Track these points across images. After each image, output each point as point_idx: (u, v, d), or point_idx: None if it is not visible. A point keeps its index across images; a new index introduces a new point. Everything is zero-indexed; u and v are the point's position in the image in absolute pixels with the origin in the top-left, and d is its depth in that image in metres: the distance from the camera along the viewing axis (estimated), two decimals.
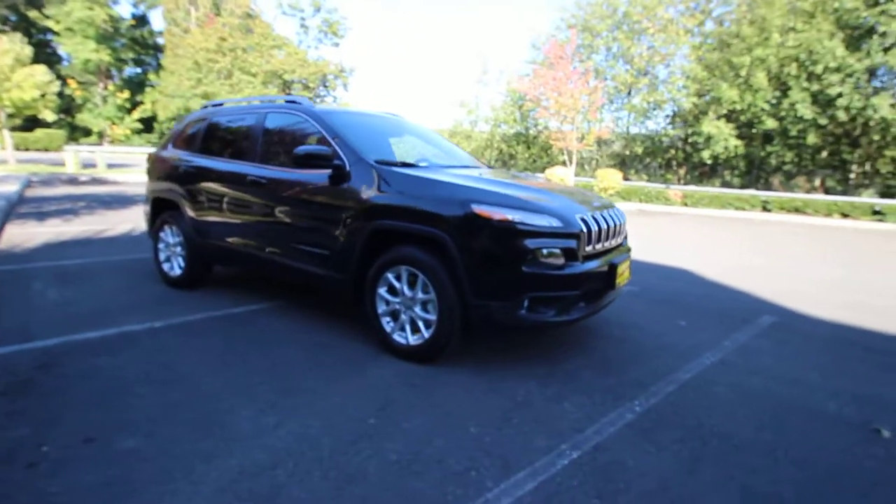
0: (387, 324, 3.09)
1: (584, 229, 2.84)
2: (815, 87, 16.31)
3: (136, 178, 16.30)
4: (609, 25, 22.94)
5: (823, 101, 16.34)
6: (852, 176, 18.99)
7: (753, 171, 21.17)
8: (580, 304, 2.87)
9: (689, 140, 21.27)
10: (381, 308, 3.10)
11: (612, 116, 24.84)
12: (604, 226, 3.03)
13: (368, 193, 3.06)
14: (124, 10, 51.49)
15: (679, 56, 20.19)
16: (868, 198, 16.30)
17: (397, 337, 3.04)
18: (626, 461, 2.06)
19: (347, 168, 3.19)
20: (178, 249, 4.39)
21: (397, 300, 3.02)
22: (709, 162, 21.37)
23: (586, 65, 21.09)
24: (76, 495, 1.75)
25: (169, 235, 4.46)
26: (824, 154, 19.51)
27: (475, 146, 29.96)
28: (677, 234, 10.23)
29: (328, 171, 3.26)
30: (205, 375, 2.72)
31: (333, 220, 3.22)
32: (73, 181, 14.65)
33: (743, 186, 20.21)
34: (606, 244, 3.11)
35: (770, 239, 10.02)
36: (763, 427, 2.41)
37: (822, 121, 16.42)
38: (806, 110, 16.41)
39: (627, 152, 26.14)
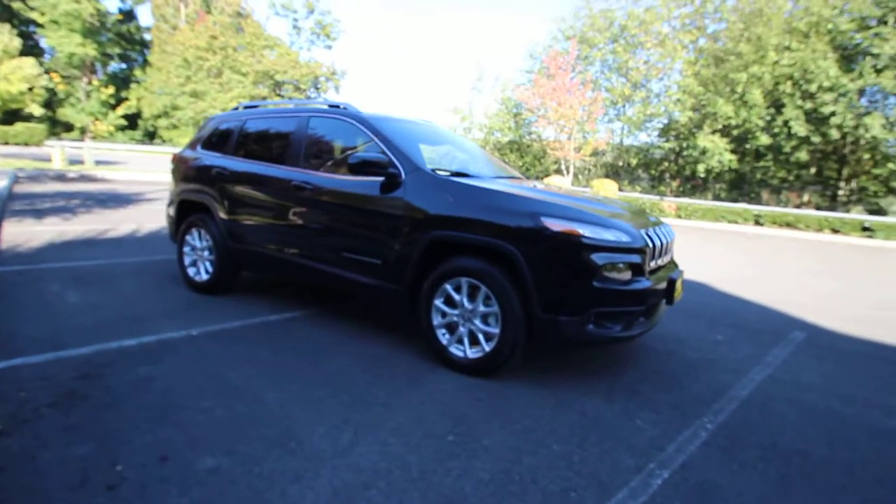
0: (442, 336, 3.05)
1: (650, 245, 2.85)
2: (809, 105, 16.83)
3: (127, 175, 15.95)
4: (606, 38, 23.38)
5: (816, 120, 16.86)
6: (840, 192, 19.59)
7: (744, 186, 21.68)
8: (641, 319, 2.88)
9: (683, 153, 21.71)
10: (437, 320, 3.06)
11: (606, 128, 25.26)
12: (661, 242, 3.05)
13: (426, 203, 3.03)
14: (111, 5, 50.72)
15: (675, 71, 20.65)
16: (858, 214, 16.80)
17: (454, 350, 3.00)
18: (717, 481, 2.05)
19: (403, 177, 3.15)
20: (206, 254, 4.29)
21: (455, 312, 2.99)
22: (702, 175, 21.83)
23: (584, 76, 21.42)
24: None
25: (196, 239, 4.35)
26: (812, 170, 20.10)
27: None
28: (679, 246, 10.39)
29: (380, 179, 3.22)
30: (263, 388, 2.64)
31: (387, 230, 3.17)
32: (61, 178, 14.25)
33: (733, 200, 20.67)
34: (662, 260, 3.13)
35: (767, 252, 10.26)
36: (835, 445, 2.43)
37: (815, 138, 16.94)
38: (800, 127, 16.90)
39: (620, 163, 26.56)
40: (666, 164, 24.45)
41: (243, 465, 1.96)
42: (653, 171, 25.29)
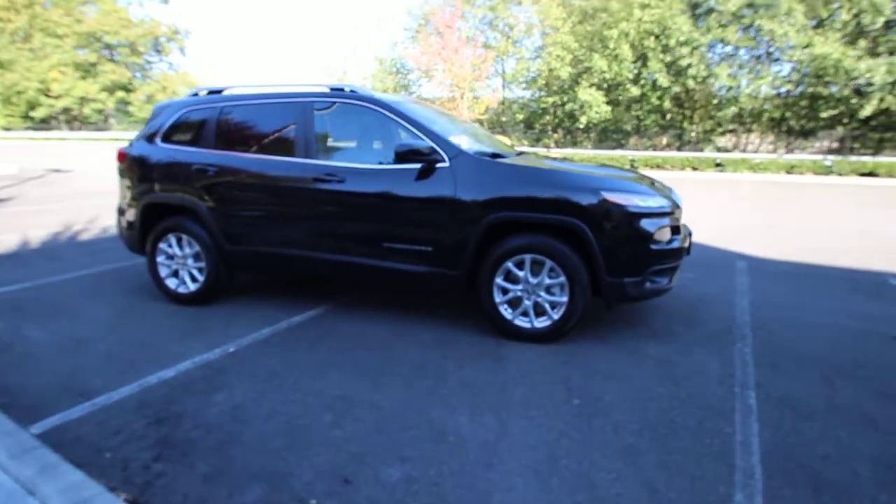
0: (505, 311, 3.24)
1: (678, 206, 3.30)
2: (669, 58, 19.21)
3: None
4: None
5: (676, 71, 19.35)
6: (693, 135, 22.96)
7: (617, 134, 24.26)
8: (677, 271, 3.36)
9: (565, 106, 23.48)
10: (499, 297, 3.23)
11: (489, 84, 26.14)
12: (679, 203, 3.53)
13: (481, 186, 3.11)
14: None
15: (551, 29, 21.90)
16: (711, 153, 19.94)
17: (520, 322, 3.22)
18: (790, 391, 2.60)
19: (447, 162, 3.18)
20: (191, 262, 3.87)
21: (518, 287, 3.18)
22: (581, 126, 23.91)
23: (470, 33, 21.76)
24: None
25: (174, 246, 3.88)
26: (668, 117, 23.19)
27: None
28: None
29: (418, 166, 3.21)
30: (365, 391, 2.61)
31: (437, 217, 3.20)
32: None
33: (609, 148, 23.13)
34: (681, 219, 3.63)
35: None
36: (836, 347, 3.17)
37: (676, 88, 19.49)
38: (664, 79, 19.27)
39: (505, 119, 27.87)
40: (548, 117, 26.24)
41: (429, 467, 2.02)
42: (537, 125, 27.00)
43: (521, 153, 3.94)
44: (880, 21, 15.81)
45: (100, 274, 4.85)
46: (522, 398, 2.55)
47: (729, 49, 18.99)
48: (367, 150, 3.66)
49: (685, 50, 18.47)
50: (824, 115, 18.26)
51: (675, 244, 3.19)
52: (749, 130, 22.61)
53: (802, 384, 2.69)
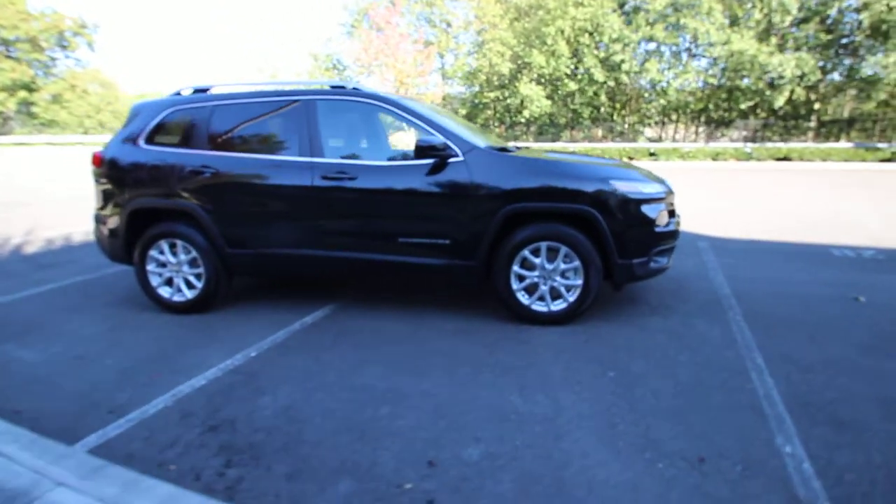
0: (523, 297, 3.41)
1: (672, 192, 3.61)
2: (603, 54, 20.24)
3: None
4: None
5: (610, 66, 20.43)
6: (626, 127, 24.37)
7: (552, 128, 25.22)
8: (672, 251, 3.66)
9: (506, 101, 24.08)
10: (516, 284, 3.39)
11: (429, 80, 26.28)
12: (672, 189, 3.85)
13: (497, 179, 3.24)
14: None
15: (487, 26, 22.38)
16: (644, 143, 21.28)
17: (537, 307, 3.39)
18: (791, 351, 2.95)
19: (462, 157, 3.29)
20: (187, 268, 3.72)
21: (534, 274, 3.35)
22: (522, 121, 24.65)
23: (405, 29, 21.74)
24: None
25: (166, 254, 3.71)
26: (602, 110, 24.46)
27: None
28: None
29: (431, 161, 3.30)
30: (412, 382, 2.67)
31: (454, 210, 3.29)
32: None
33: (549, 141, 24.05)
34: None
35: None
36: (809, 308, 3.60)
37: (611, 82, 20.59)
38: (599, 74, 20.29)
39: None
40: (489, 112, 26.80)
41: (503, 444, 2.13)
42: (478, 120, 27.49)
43: (519, 147, 4.11)
44: (788, 20, 17.62)
45: (63, 288, 4.51)
46: (562, 376, 2.73)
47: (655, 46, 20.31)
48: (375, 147, 3.69)
49: (618, 46, 19.58)
50: (742, 106, 20.06)
51: (672, 226, 3.50)
52: (675, 121, 24.36)
53: (795, 343, 3.06)
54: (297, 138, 3.49)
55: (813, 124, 21.38)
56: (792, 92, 18.35)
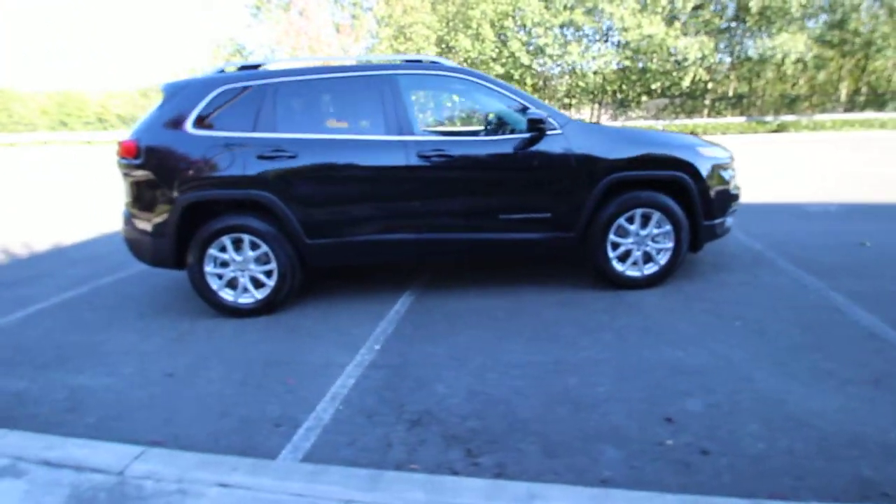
0: (618, 264, 3.54)
1: (733, 157, 3.92)
2: (526, 38, 20.93)
3: None
4: None
5: (534, 50, 21.18)
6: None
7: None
8: None
9: None
10: (611, 252, 3.51)
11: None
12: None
13: (598, 150, 3.31)
14: None
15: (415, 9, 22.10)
16: None
17: (631, 272, 3.54)
18: (858, 288, 3.39)
19: (560, 129, 3.31)
20: (254, 266, 3.38)
21: (629, 241, 3.49)
22: (449, 104, 24.78)
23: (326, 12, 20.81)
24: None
25: (229, 251, 3.34)
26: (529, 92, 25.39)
27: None
28: None
29: (528, 135, 3.29)
30: (570, 353, 2.69)
31: (558, 182, 3.32)
32: None
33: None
34: None
35: None
36: (845, 256, 4.09)
37: (536, 66, 21.39)
38: (525, 57, 20.97)
39: None
40: (414, 96, 26.58)
41: (712, 393, 2.24)
42: None
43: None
44: (689, 6, 19.49)
45: (61, 305, 3.89)
46: (697, 331, 2.90)
47: (580, 30, 21.43)
48: (465, 123, 3.58)
49: (540, 30, 20.37)
50: (654, 86, 21.91)
51: (737, 190, 3.81)
52: (579, 102, 25.77)
53: (851, 281, 3.51)
54: (383, 115, 3.29)
55: (707, 102, 23.96)
56: (695, 73, 20.41)
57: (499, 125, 3.80)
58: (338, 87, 3.38)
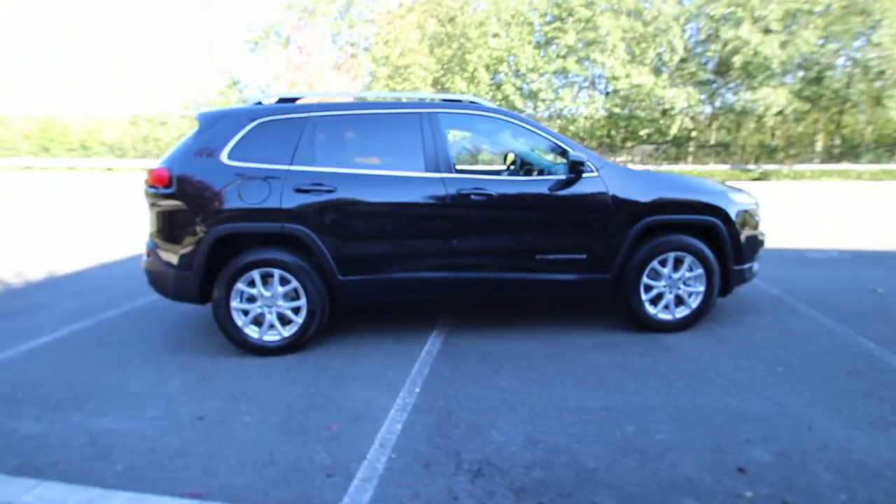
0: (651, 306, 3.55)
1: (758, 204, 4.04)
2: (520, 82, 21.72)
3: None
4: (333, 10, 23.66)
5: (527, 94, 21.95)
6: None
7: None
8: None
9: None
10: (645, 295, 3.52)
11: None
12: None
13: (634, 194, 3.37)
14: None
15: (412, 51, 22.85)
16: None
17: (663, 316, 3.55)
18: (883, 333, 3.45)
19: (597, 172, 3.38)
20: (283, 302, 3.29)
21: (661, 283, 3.51)
22: None
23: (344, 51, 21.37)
24: None
25: (258, 286, 3.26)
26: None
27: (183, 133, 26.48)
28: None
29: (563, 177, 3.35)
30: (614, 398, 2.64)
31: (594, 224, 3.36)
32: None
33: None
34: None
35: None
36: (861, 302, 4.19)
37: (530, 110, 22.11)
38: (518, 101, 21.69)
39: None
40: None
41: (775, 441, 2.20)
42: None
43: None
44: (676, 58, 20.55)
45: (67, 339, 3.72)
46: (743, 375, 2.89)
47: (568, 77, 22.38)
48: (501, 163, 3.63)
49: (534, 76, 21.19)
50: (641, 132, 22.76)
51: (763, 236, 3.90)
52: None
53: (875, 327, 3.58)
54: (423, 152, 3.31)
55: (692, 149, 24.93)
56: (681, 121, 21.32)
57: (534, 166, 3.84)
58: (378, 122, 3.41)
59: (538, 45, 21.91)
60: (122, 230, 8.81)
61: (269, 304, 3.29)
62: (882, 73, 18.72)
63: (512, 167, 4.34)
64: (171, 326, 3.99)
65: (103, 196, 15.96)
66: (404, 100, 3.53)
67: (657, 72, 21.17)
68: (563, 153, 3.38)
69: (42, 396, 2.82)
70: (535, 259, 3.38)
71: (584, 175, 3.35)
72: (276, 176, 3.22)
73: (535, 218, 3.36)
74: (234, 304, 3.26)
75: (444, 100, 3.52)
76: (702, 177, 4.33)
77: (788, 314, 3.96)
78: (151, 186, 3.30)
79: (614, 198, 3.36)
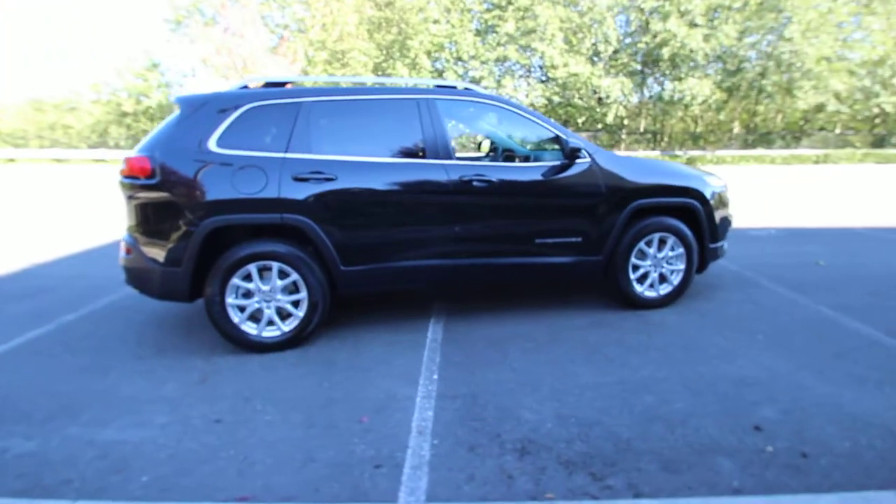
0: (638, 286, 3.77)
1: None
2: (462, 70, 21.82)
3: None
4: None
5: (470, 81, 22.07)
6: None
7: None
8: None
9: None
10: (633, 275, 3.74)
11: None
12: None
13: (624, 178, 3.56)
14: None
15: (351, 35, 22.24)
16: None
17: (648, 294, 3.79)
18: (843, 301, 3.88)
19: (589, 158, 3.52)
20: (283, 296, 3.19)
21: (647, 263, 3.75)
22: None
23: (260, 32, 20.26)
24: None
25: (255, 281, 3.13)
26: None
27: (97, 120, 24.33)
28: None
29: (558, 163, 3.48)
30: (627, 373, 2.81)
31: (589, 208, 3.50)
32: None
33: None
34: None
35: None
36: (816, 275, 4.70)
37: None
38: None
39: None
40: None
41: (778, 402, 2.45)
42: None
43: None
44: (610, 49, 21.49)
45: (27, 346, 3.39)
46: (730, 345, 3.16)
47: (508, 64, 22.79)
48: (498, 149, 3.67)
49: (476, 63, 21.37)
50: (579, 120, 23.68)
51: (731, 216, 4.24)
52: None
53: (829, 296, 4.03)
54: (423, 139, 3.30)
55: (624, 136, 26.30)
56: (617, 109, 22.41)
57: (517, 153, 3.94)
58: (376, 108, 3.35)
59: (478, 33, 22.11)
60: (44, 227, 8.04)
61: (267, 298, 3.17)
62: (791, 65, 20.66)
63: (492, 154, 4.42)
64: (143, 328, 3.73)
65: (8, 191, 14.38)
66: (400, 85, 3.49)
67: (592, 62, 22.07)
68: (557, 139, 3.49)
69: (23, 410, 2.57)
70: (535, 243, 3.49)
71: (578, 161, 3.49)
72: (272, 164, 3.09)
73: (535, 203, 3.46)
74: (230, 300, 3.11)
75: (438, 86, 3.52)
76: (675, 161, 4.63)
77: (753, 288, 4.36)
78: (129, 177, 3.05)
79: (607, 182, 3.52)
